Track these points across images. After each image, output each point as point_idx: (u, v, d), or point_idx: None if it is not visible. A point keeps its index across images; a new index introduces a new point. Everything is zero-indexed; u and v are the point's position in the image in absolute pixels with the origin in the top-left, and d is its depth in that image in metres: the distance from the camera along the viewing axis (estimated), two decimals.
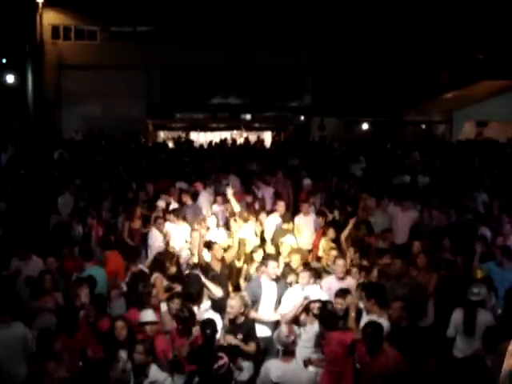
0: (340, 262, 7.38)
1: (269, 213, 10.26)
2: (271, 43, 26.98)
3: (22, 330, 5.94)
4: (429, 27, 25.19)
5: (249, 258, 8.22)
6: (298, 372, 5.45)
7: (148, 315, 6.11)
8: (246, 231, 9.17)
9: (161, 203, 10.54)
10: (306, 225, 9.83)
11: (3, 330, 5.82)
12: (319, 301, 6.44)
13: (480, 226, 9.36)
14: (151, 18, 25.99)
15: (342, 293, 6.51)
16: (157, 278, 7.30)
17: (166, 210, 10.19)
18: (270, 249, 8.83)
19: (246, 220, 9.27)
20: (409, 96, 25.43)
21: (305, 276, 6.94)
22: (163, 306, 6.72)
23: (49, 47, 26.32)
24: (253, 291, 6.87)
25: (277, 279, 7.13)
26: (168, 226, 9.43)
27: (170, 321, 6.44)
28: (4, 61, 26.49)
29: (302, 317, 6.46)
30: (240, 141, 22.74)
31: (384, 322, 5.96)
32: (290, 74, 27.18)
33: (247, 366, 6.08)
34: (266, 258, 7.47)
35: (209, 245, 8.06)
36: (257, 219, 9.92)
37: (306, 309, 6.46)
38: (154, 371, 5.38)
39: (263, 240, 9.49)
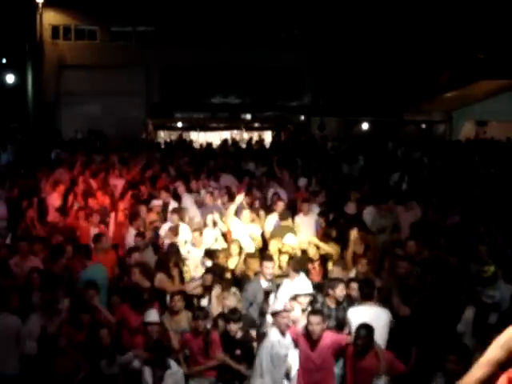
0: (340, 286, 6.91)
1: (269, 212, 10.28)
2: (271, 43, 26.98)
3: (15, 322, 6.06)
4: (429, 27, 25.16)
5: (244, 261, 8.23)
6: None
7: (152, 315, 6.15)
8: (245, 232, 9.19)
9: (156, 202, 10.53)
10: (306, 225, 9.82)
11: None
12: (307, 295, 6.51)
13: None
14: (151, 18, 25.98)
15: (336, 283, 6.63)
16: (161, 277, 7.36)
17: (165, 210, 10.19)
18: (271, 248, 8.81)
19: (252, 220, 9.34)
20: (409, 96, 25.40)
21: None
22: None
23: (49, 47, 26.31)
24: (253, 292, 6.85)
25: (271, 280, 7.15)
26: (166, 227, 9.43)
27: (187, 320, 6.49)
28: (4, 61, 26.50)
29: (296, 312, 6.48)
30: (241, 140, 22.70)
31: (384, 312, 6.12)
32: (289, 74, 27.19)
33: None
34: (262, 258, 7.46)
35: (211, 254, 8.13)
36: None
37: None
38: (174, 364, 5.69)
39: (264, 240, 9.48)
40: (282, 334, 5.78)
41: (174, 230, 8.98)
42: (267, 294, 6.22)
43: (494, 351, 2.33)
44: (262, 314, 6.26)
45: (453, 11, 24.88)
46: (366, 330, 5.58)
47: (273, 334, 5.73)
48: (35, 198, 10.41)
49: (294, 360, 5.95)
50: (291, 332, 5.90)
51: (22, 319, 6.23)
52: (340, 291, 6.54)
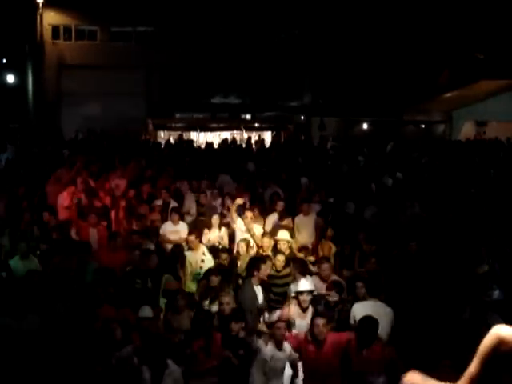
0: (324, 266, 7.27)
1: (268, 212, 10.30)
2: (271, 43, 26.98)
3: (12, 324, 6.04)
4: (429, 27, 25.16)
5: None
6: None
7: (145, 311, 6.16)
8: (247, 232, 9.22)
9: (158, 202, 10.55)
10: (306, 225, 9.83)
11: None
12: (308, 292, 6.50)
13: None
14: (151, 18, 25.98)
15: (335, 285, 6.63)
16: (168, 278, 7.37)
17: (165, 209, 10.21)
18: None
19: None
20: (409, 96, 25.41)
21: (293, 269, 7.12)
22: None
23: (49, 47, 26.31)
24: (249, 296, 6.83)
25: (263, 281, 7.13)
26: (166, 226, 9.45)
27: (189, 319, 6.49)
28: (4, 61, 26.51)
29: (293, 311, 6.49)
30: (242, 141, 22.70)
31: (388, 309, 6.22)
32: (289, 74, 27.19)
33: None
34: (257, 260, 7.40)
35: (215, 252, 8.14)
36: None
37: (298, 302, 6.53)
38: (171, 364, 5.61)
39: None
40: (278, 346, 5.69)
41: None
42: (260, 311, 6.12)
43: (473, 366, 2.25)
44: (251, 332, 6.06)
45: (452, 11, 24.89)
46: (370, 321, 5.64)
47: (268, 349, 5.65)
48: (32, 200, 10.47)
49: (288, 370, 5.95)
50: (292, 340, 5.86)
51: (19, 320, 6.21)
52: (331, 298, 6.57)
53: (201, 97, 27.06)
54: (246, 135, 24.36)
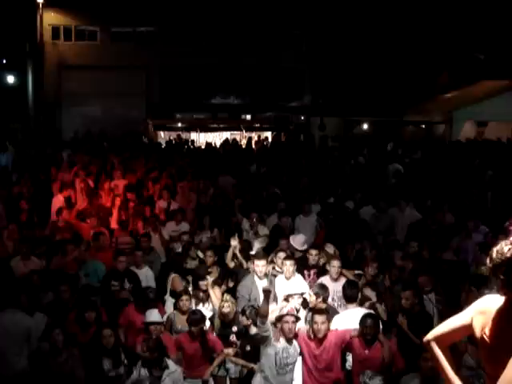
0: (335, 262, 7.26)
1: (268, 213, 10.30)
2: (271, 43, 26.98)
3: (26, 321, 6.03)
4: (428, 27, 25.17)
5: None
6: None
7: (154, 315, 6.15)
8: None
9: (162, 204, 10.58)
10: (306, 225, 9.84)
11: (3, 317, 5.93)
12: (300, 295, 6.53)
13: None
14: (151, 19, 25.98)
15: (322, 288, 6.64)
16: (174, 278, 7.37)
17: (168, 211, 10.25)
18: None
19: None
20: (409, 96, 25.40)
21: (288, 265, 7.02)
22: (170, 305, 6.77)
23: (49, 47, 26.31)
24: (247, 290, 6.85)
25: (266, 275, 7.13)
26: (169, 226, 9.48)
27: (182, 320, 6.48)
28: (4, 61, 26.51)
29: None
30: (242, 141, 22.71)
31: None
32: (289, 74, 27.19)
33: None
34: (254, 256, 7.44)
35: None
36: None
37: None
38: (171, 364, 5.63)
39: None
40: (288, 340, 5.72)
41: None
42: (267, 293, 6.10)
43: (466, 316, 2.61)
44: (261, 315, 6.03)
45: (452, 11, 24.90)
46: (371, 318, 5.70)
47: (279, 342, 5.69)
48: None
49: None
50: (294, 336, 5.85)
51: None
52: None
53: (201, 97, 27.04)
54: (246, 135, 24.37)
